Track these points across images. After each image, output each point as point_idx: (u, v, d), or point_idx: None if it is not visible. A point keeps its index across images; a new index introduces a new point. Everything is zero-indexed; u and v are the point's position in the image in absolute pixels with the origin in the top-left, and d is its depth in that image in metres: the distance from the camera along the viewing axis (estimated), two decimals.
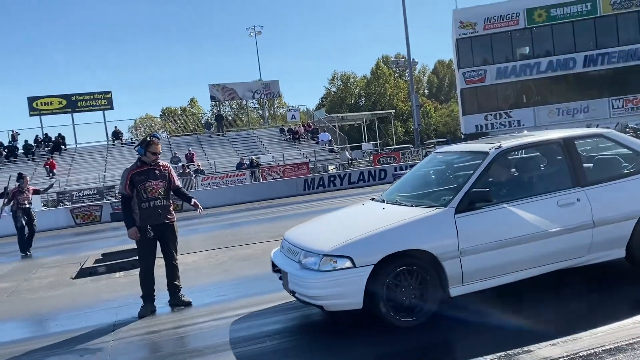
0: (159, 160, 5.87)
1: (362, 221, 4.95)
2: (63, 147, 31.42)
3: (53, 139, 31.52)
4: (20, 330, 5.87)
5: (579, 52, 37.18)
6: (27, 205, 11.62)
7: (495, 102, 38.54)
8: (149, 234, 5.71)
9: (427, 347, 4.12)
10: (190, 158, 27.81)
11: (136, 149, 5.94)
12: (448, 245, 4.39)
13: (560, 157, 5.14)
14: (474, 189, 4.59)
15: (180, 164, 25.16)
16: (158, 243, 5.85)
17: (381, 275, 4.25)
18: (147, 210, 5.71)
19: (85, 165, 29.56)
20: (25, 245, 11.58)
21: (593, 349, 3.65)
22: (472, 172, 4.77)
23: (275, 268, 5.02)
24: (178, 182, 6.09)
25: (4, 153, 29.87)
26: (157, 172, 5.80)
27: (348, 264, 4.24)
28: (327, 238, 4.62)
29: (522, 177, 5.32)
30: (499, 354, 3.71)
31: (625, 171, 5.16)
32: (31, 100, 32.16)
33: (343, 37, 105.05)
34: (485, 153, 4.91)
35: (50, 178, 27.03)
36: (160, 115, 70.41)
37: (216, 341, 4.61)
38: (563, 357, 3.58)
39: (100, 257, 8.67)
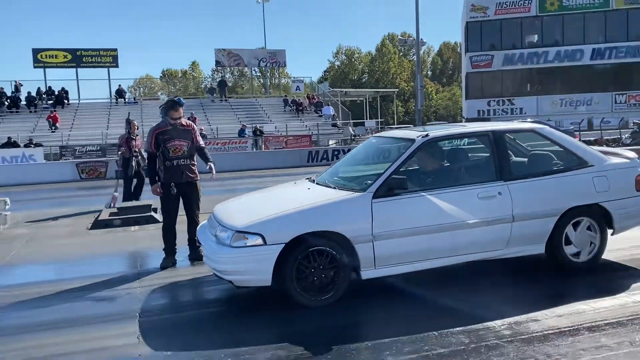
0: (182, 121, 6.05)
1: (282, 200, 4.98)
2: (66, 101, 31.35)
3: (56, 92, 31.42)
4: (44, 273, 6.10)
5: (587, 44, 37.23)
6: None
7: (500, 89, 38.68)
8: (172, 191, 5.93)
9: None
10: (192, 121, 27.84)
11: (160, 111, 6.12)
12: (362, 229, 4.40)
13: (488, 149, 5.09)
14: (394, 176, 4.57)
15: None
16: (181, 200, 6.08)
17: (292, 254, 4.27)
18: (170, 168, 5.91)
19: (87, 122, 29.57)
20: (135, 195, 10.51)
21: (596, 322, 3.94)
22: (396, 158, 4.78)
23: (199, 240, 5.04)
24: (201, 142, 6.26)
25: (7, 103, 29.79)
26: (181, 132, 5.98)
27: (259, 241, 4.25)
28: (243, 214, 4.66)
29: (447, 167, 5.33)
30: (510, 320, 4.00)
31: (554, 168, 5.13)
32: (36, 52, 31.92)
33: (350, 11, 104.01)
34: (412, 140, 4.91)
35: (52, 132, 27.08)
36: (161, 76, 69.93)
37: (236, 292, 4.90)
38: (569, 327, 3.86)
39: (116, 211, 8.88)
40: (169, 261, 5.98)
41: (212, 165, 6.13)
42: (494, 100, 38.56)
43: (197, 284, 5.32)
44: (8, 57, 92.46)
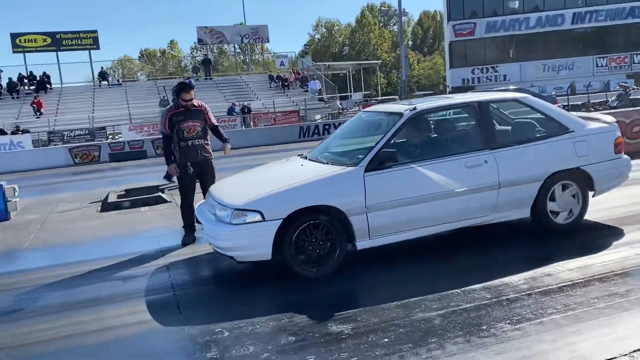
0: (194, 102, 6.21)
1: (278, 177, 5.12)
2: (48, 86, 30.87)
3: (38, 77, 30.91)
4: (68, 255, 6.23)
5: (568, 9, 37.49)
6: None
7: (483, 56, 38.90)
8: (189, 170, 6.12)
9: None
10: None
11: (172, 95, 6.28)
12: (355, 202, 4.57)
13: (474, 120, 5.26)
14: (384, 149, 4.71)
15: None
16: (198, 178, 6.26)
17: (290, 228, 4.44)
18: (186, 148, 6.09)
19: (72, 106, 29.21)
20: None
21: (605, 273, 4.26)
22: (386, 132, 4.92)
23: (198, 220, 5.24)
24: (214, 121, 6.44)
25: None
26: (193, 112, 6.15)
27: (258, 217, 4.41)
28: (241, 192, 4.81)
29: (435, 139, 5.49)
30: (525, 275, 4.31)
31: (537, 135, 5.30)
32: (14, 36, 31.31)
33: None
34: (400, 114, 5.04)
35: (37, 117, 26.75)
36: (139, 57, 68.92)
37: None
38: (580, 279, 4.18)
39: (123, 193, 9.01)
40: (189, 238, 6.19)
41: (227, 145, 6.36)
42: (478, 68, 38.83)
43: (220, 259, 5.50)
44: None
